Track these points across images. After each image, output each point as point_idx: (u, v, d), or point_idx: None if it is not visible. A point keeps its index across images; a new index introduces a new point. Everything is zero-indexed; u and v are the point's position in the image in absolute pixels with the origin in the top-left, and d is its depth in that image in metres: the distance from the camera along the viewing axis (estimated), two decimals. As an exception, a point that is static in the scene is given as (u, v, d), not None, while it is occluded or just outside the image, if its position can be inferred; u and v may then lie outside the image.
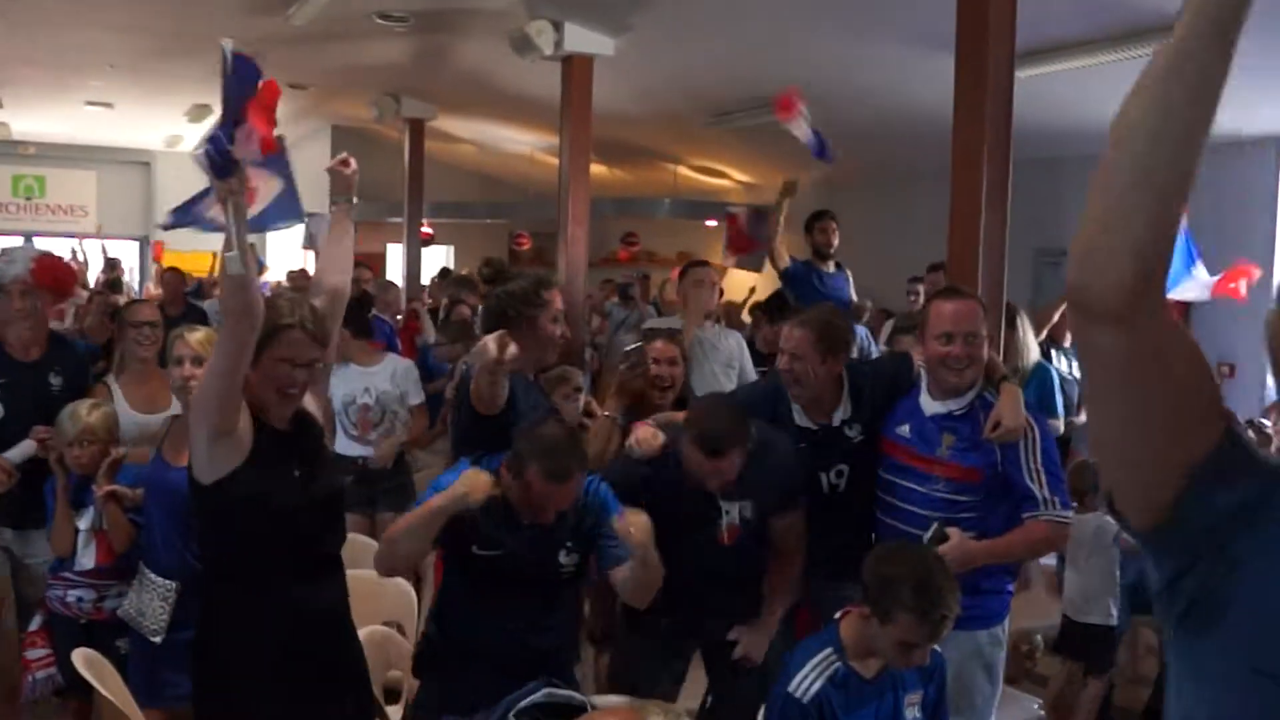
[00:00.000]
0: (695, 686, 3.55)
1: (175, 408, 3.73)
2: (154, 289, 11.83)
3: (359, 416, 5.15)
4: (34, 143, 15.47)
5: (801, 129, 4.98)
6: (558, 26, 7.24)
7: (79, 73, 10.83)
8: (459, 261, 14.38)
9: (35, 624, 3.76)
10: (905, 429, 3.38)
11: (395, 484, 5.13)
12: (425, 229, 11.90)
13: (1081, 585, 4.52)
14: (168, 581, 3.29)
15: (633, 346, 5.06)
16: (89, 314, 7.25)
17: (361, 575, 3.25)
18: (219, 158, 2.43)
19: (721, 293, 8.85)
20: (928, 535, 3.15)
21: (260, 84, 2.50)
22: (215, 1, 7.68)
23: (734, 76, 8.78)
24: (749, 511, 3.30)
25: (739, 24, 7.37)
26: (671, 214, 12.75)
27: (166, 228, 4.73)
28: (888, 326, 7.41)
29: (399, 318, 8.33)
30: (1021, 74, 4.90)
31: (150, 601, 3.28)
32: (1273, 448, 5.16)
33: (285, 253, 15.76)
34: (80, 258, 12.03)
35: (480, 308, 7.35)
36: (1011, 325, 5.39)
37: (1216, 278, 5.17)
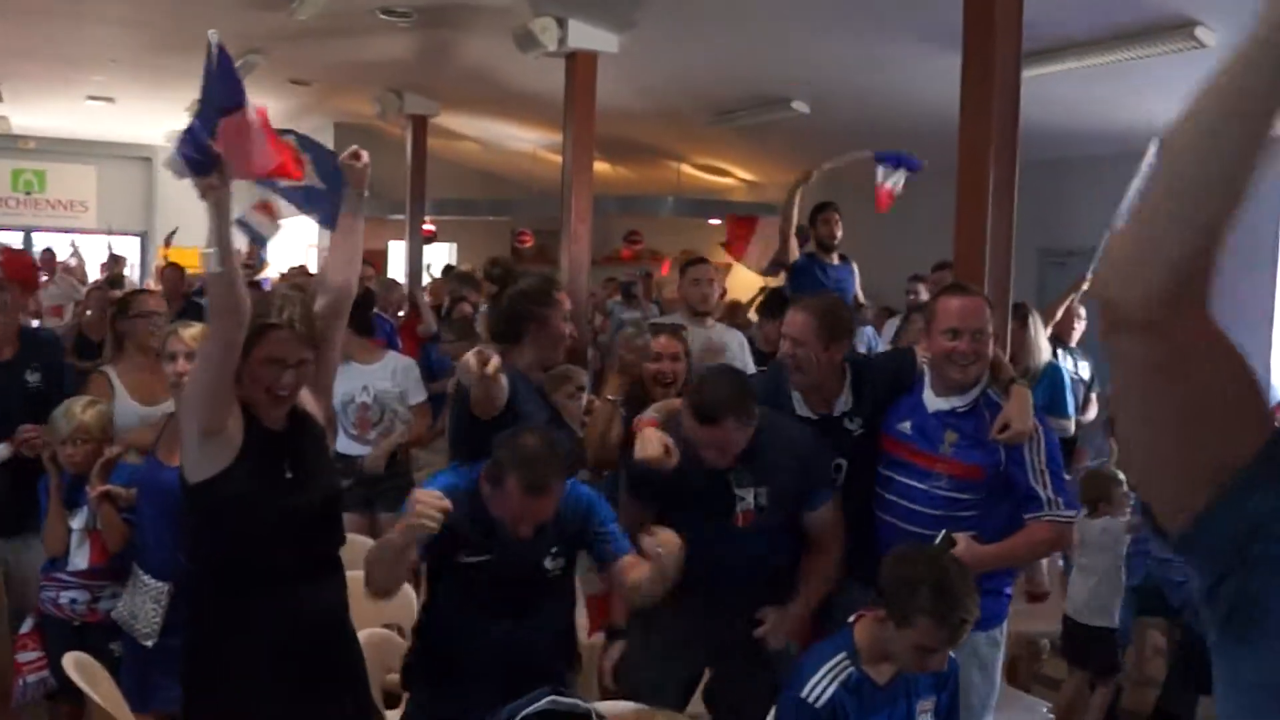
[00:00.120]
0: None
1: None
2: (154, 285, 11.80)
3: (357, 415, 5.10)
4: (34, 137, 15.45)
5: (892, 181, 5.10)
6: (562, 23, 7.21)
7: (80, 67, 10.81)
8: (461, 259, 14.35)
9: (27, 626, 3.70)
10: (907, 425, 3.34)
11: (394, 484, 5.06)
12: (427, 226, 11.88)
13: (1086, 588, 4.48)
14: (160, 583, 3.24)
15: (630, 327, 5.01)
16: (87, 309, 7.20)
17: (359, 576, 3.19)
18: (197, 154, 2.38)
19: (724, 291, 8.85)
20: (937, 541, 3.09)
21: (251, 112, 2.45)
22: (218, -4, 7.64)
23: (738, 74, 8.75)
24: (764, 499, 3.21)
25: (743, 22, 7.34)
26: (675, 212, 12.74)
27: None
28: (890, 325, 7.37)
29: (400, 314, 8.30)
30: (1025, 74, 4.87)
31: (143, 604, 3.23)
32: None
33: (286, 249, 15.74)
34: (78, 254, 12.02)
35: (483, 307, 7.33)
36: (1023, 324, 5.36)
37: None
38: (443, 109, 11.26)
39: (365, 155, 2.93)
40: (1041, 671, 5.20)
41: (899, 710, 2.63)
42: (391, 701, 3.50)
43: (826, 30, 7.28)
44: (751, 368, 5.16)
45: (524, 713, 2.20)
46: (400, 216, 11.35)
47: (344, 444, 5.03)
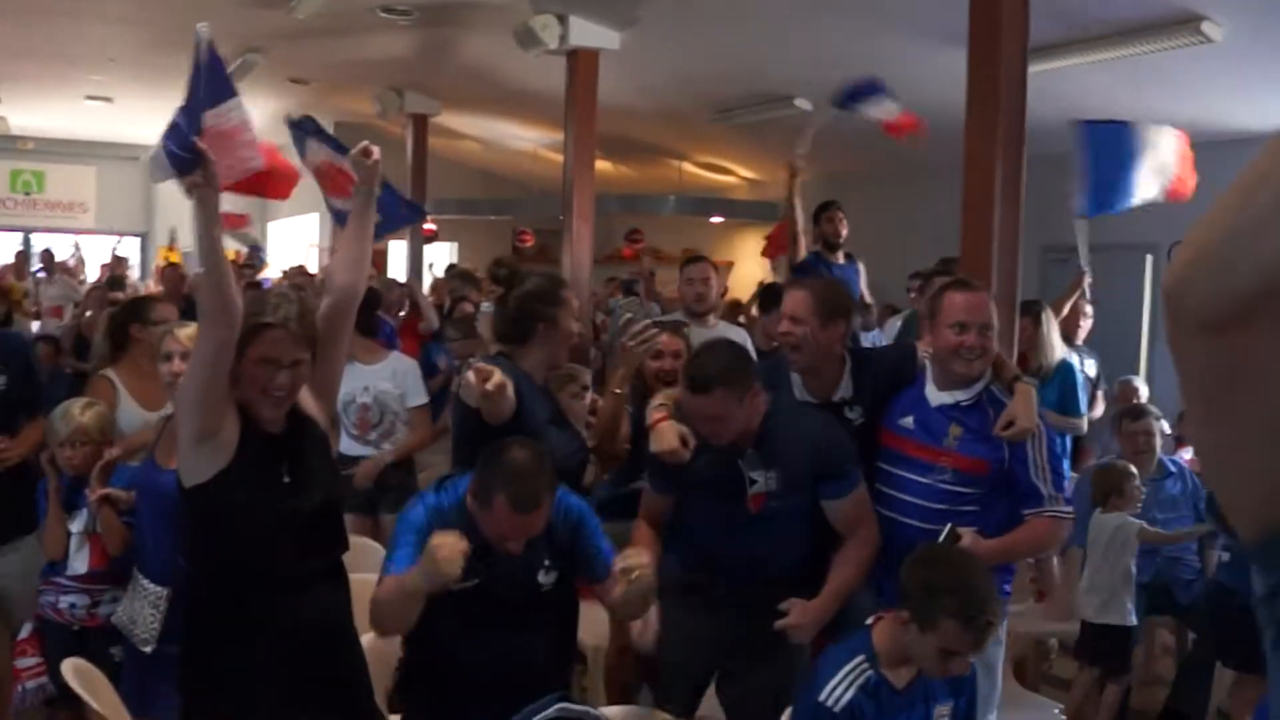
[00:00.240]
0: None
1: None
2: (154, 286, 11.77)
3: (358, 416, 5.06)
4: (33, 138, 15.42)
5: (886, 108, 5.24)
6: (563, 20, 7.19)
7: (79, 67, 10.78)
8: (462, 258, 14.32)
9: (25, 631, 3.64)
10: (909, 420, 3.33)
11: (397, 485, 5.02)
12: (428, 226, 11.83)
13: (1099, 586, 4.44)
14: (159, 588, 3.18)
15: (627, 313, 4.95)
16: (86, 310, 7.17)
17: (363, 579, 3.14)
18: (182, 152, 2.34)
19: (726, 290, 8.80)
20: (942, 536, 3.08)
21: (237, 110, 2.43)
22: (217, -5, 7.60)
23: (740, 72, 8.72)
24: (775, 483, 3.14)
25: (745, 18, 7.30)
26: (677, 210, 12.71)
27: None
28: (892, 323, 7.33)
29: (402, 314, 8.25)
30: (1029, 70, 4.83)
31: (141, 609, 3.18)
32: None
33: (286, 249, 15.71)
34: (79, 255, 12.00)
35: (484, 306, 7.29)
36: (1036, 322, 5.33)
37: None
38: (443, 108, 11.23)
39: (376, 151, 2.86)
40: (1050, 671, 5.17)
41: (916, 715, 2.59)
42: (396, 708, 3.46)
43: (829, 27, 7.24)
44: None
45: (534, 720, 2.17)
46: (401, 216, 11.31)
47: (346, 444, 4.99)
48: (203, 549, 2.72)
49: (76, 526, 3.52)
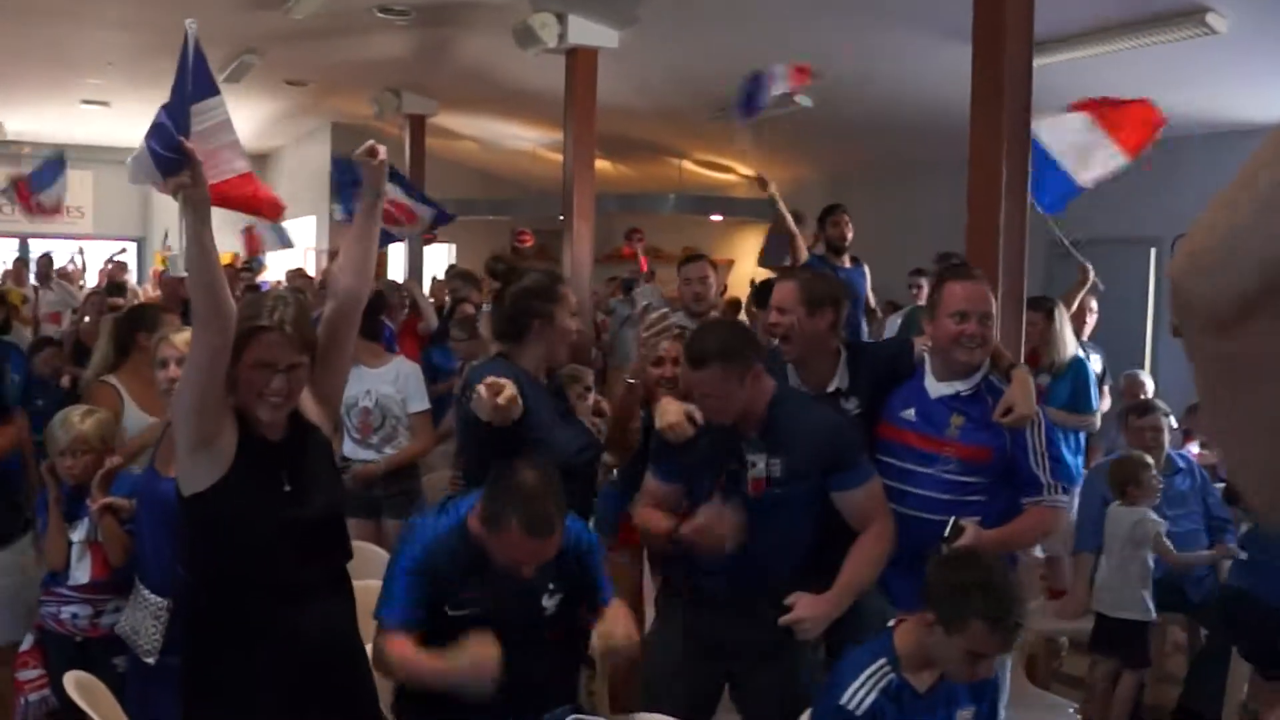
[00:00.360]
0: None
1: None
2: (151, 291, 11.73)
3: (360, 419, 5.02)
4: (29, 142, 15.35)
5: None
6: (561, 19, 7.16)
7: (75, 71, 10.73)
8: (461, 260, 14.28)
9: (27, 644, 3.59)
10: (910, 413, 3.33)
11: (400, 489, 4.98)
12: (427, 227, 11.79)
13: (1116, 580, 4.41)
14: (160, 599, 3.13)
15: (644, 299, 4.91)
16: (85, 316, 7.13)
17: (368, 586, 3.10)
18: (168, 152, 2.30)
19: (725, 288, 8.77)
20: (946, 531, 3.06)
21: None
22: (213, -4, 7.56)
23: (740, 68, 8.64)
24: (777, 470, 3.08)
25: (744, 14, 7.27)
26: (677, 209, 12.68)
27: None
28: (893, 320, 7.30)
29: (401, 316, 8.21)
30: (1033, 63, 4.80)
31: (144, 619, 3.13)
32: None
33: (286, 251, 15.67)
34: (80, 262, 11.95)
35: (486, 306, 7.24)
36: (1049, 318, 5.30)
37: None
38: (441, 108, 11.19)
39: (383, 151, 2.80)
40: (1060, 669, 5.14)
41: (938, 719, 2.54)
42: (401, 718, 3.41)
43: (829, 24, 7.20)
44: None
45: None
46: (399, 217, 11.28)
47: (349, 448, 4.96)
48: (202, 558, 2.66)
49: (78, 536, 3.47)
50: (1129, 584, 4.39)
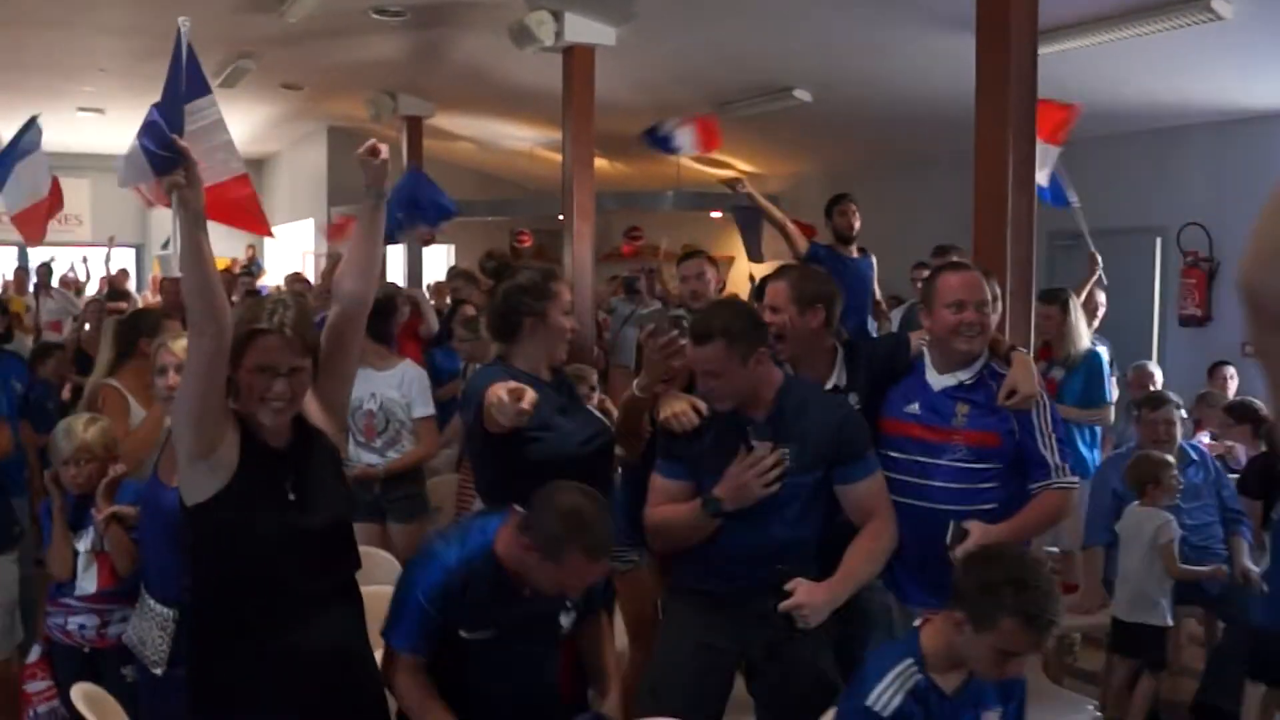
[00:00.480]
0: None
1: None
2: (151, 296, 11.69)
3: (364, 422, 4.99)
4: (25, 150, 15.31)
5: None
6: (558, 17, 7.14)
7: (70, 77, 10.69)
8: (460, 261, 14.25)
9: (34, 655, 3.54)
10: (914, 406, 3.31)
11: (405, 493, 4.95)
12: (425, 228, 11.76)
13: (1134, 585, 4.37)
14: (166, 610, 3.07)
15: (650, 321, 4.88)
16: (85, 323, 7.10)
17: (375, 592, 3.04)
18: (161, 150, 2.26)
19: (724, 284, 8.73)
20: (949, 536, 3.03)
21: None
22: (208, 0, 7.50)
23: (738, 63, 8.65)
24: (787, 461, 3.03)
25: (743, 9, 7.23)
26: (675, 206, 12.65)
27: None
28: (897, 314, 7.27)
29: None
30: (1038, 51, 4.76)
31: (150, 630, 3.08)
32: None
33: (284, 255, 15.64)
34: (84, 271, 11.91)
35: (487, 306, 7.20)
36: (1064, 310, 5.28)
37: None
38: (438, 109, 11.15)
39: (384, 149, 2.75)
40: (1074, 665, 5.11)
41: (963, 722, 2.50)
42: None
43: (828, 15, 7.17)
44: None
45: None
46: (398, 219, 11.25)
47: (352, 450, 4.92)
48: (206, 569, 2.60)
49: (84, 545, 3.43)
50: (1149, 589, 4.35)
